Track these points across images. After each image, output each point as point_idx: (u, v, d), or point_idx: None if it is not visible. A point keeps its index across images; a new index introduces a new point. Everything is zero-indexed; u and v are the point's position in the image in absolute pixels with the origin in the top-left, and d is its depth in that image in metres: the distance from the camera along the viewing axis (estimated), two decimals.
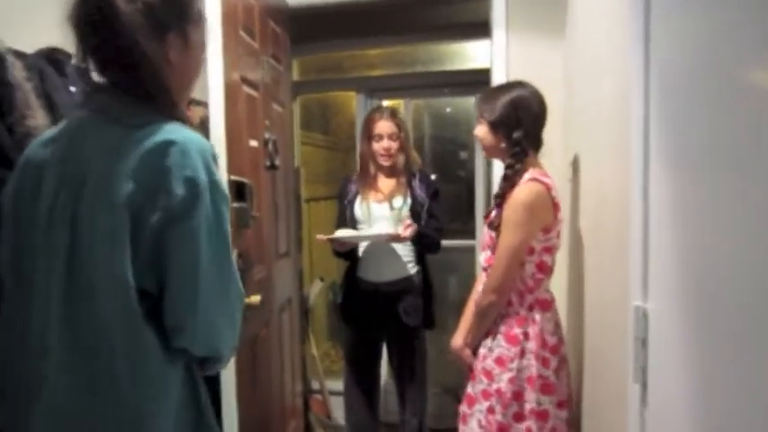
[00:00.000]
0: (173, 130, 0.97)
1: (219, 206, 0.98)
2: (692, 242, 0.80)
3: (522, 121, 1.62)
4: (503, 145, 1.65)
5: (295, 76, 3.26)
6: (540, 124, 1.67)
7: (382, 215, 2.36)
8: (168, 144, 0.94)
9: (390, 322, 2.40)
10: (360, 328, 2.46)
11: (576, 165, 1.82)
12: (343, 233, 2.30)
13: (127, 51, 0.96)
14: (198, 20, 1.09)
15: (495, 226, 1.63)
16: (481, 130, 1.69)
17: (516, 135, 1.62)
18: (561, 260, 1.95)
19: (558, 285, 2.03)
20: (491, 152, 1.73)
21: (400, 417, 2.51)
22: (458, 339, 1.80)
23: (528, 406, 1.57)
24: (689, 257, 0.81)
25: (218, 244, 0.98)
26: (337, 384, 2.93)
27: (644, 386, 0.96)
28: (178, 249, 0.95)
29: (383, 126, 2.36)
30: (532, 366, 1.57)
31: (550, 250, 1.61)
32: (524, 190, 1.57)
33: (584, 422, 1.67)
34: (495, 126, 1.65)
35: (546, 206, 1.57)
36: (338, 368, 3.50)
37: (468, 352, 1.74)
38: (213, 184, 0.97)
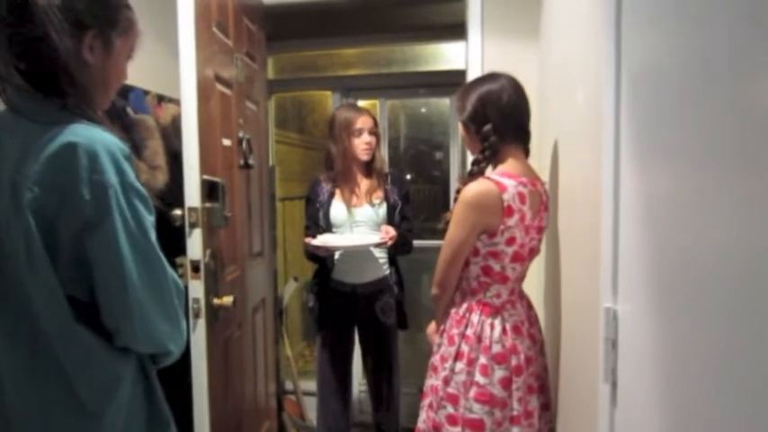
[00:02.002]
0: (80, 131, 0.94)
1: (135, 205, 0.97)
2: (662, 244, 0.81)
3: (489, 117, 1.57)
4: (477, 143, 1.62)
5: (270, 74, 3.24)
6: (512, 117, 1.58)
7: (361, 219, 2.35)
8: (74, 146, 0.91)
9: (366, 322, 2.41)
10: (335, 330, 2.45)
11: (549, 168, 1.84)
12: (330, 240, 2.27)
13: (38, 45, 0.94)
14: (125, 27, 1.07)
15: (446, 221, 1.61)
16: (460, 130, 1.68)
17: (484, 130, 1.57)
18: (538, 263, 1.97)
19: (535, 289, 2.05)
20: (472, 151, 1.68)
21: (374, 416, 2.52)
22: (431, 326, 1.82)
23: (461, 410, 1.53)
24: (658, 260, 0.82)
25: (140, 243, 0.97)
26: (311, 385, 2.92)
27: (614, 386, 0.97)
28: (100, 256, 0.94)
29: (363, 122, 2.35)
30: (464, 371, 1.53)
31: (497, 256, 1.54)
32: (472, 188, 1.52)
33: (558, 425, 1.68)
34: (466, 125, 1.63)
35: (491, 208, 1.49)
36: (312, 369, 3.49)
37: (436, 339, 1.71)
38: (125, 184, 0.95)
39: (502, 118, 1.57)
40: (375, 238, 2.26)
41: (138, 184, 0.98)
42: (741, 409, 0.59)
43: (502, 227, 1.50)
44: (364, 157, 2.35)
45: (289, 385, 3.28)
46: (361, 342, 2.50)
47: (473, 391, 1.52)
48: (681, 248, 0.75)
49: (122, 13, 1.06)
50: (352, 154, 2.35)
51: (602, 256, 1.01)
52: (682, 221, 0.74)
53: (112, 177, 0.93)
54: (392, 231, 2.25)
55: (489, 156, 1.58)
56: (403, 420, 2.56)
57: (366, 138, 2.34)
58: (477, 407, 1.52)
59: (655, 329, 0.83)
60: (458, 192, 1.61)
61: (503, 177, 1.53)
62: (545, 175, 1.89)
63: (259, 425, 2.41)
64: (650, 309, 0.85)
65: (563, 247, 1.63)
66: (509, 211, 1.50)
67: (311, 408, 3.01)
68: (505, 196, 1.49)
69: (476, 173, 1.59)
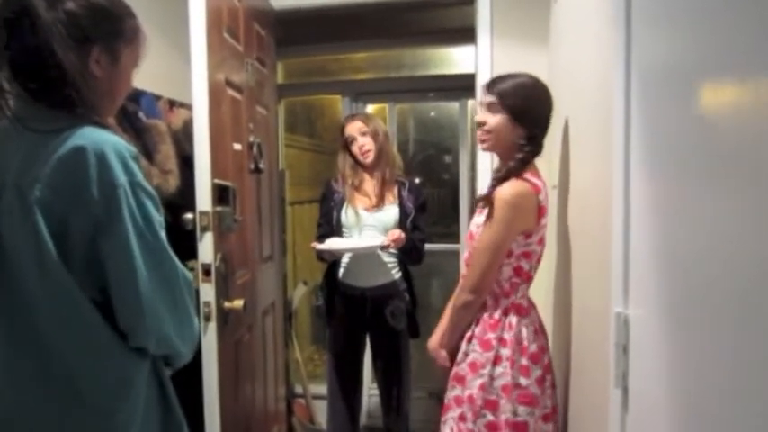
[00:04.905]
0: (88, 134, 0.95)
1: (145, 205, 0.98)
2: (673, 249, 0.81)
3: (543, 118, 1.56)
4: (521, 141, 1.53)
5: (280, 78, 3.25)
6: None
7: (371, 223, 2.36)
8: (83, 149, 0.93)
9: (376, 326, 2.41)
10: (345, 333, 2.45)
11: (559, 172, 1.84)
12: (336, 243, 2.28)
13: (43, 59, 0.94)
14: (132, 37, 1.07)
15: (486, 200, 1.54)
16: (497, 120, 1.54)
17: (537, 131, 1.55)
18: (549, 267, 1.96)
19: (545, 293, 2.04)
20: (501, 144, 1.57)
21: (384, 420, 2.51)
22: (434, 339, 1.77)
23: (503, 416, 1.49)
24: (670, 264, 0.82)
25: (150, 242, 0.98)
26: (320, 388, 2.92)
27: (625, 391, 0.96)
28: (111, 257, 0.95)
29: (351, 127, 2.38)
30: (507, 374, 1.49)
31: (529, 256, 1.55)
32: (509, 189, 1.49)
33: (569, 429, 1.67)
34: (518, 117, 1.52)
35: (530, 208, 1.49)
36: (322, 372, 3.50)
37: (443, 353, 1.68)
38: (134, 184, 0.96)
39: (547, 120, 1.58)
40: (378, 241, 2.26)
41: (146, 184, 0.99)
42: (754, 413, 0.58)
43: (537, 227, 1.52)
44: (363, 160, 2.37)
45: (298, 389, 3.28)
46: (372, 346, 2.50)
47: (517, 394, 1.50)
48: (692, 253, 0.74)
49: (126, 23, 1.06)
50: (356, 161, 2.39)
51: (612, 261, 1.01)
52: (693, 226, 0.74)
53: (121, 177, 0.94)
54: (398, 233, 2.25)
55: (529, 159, 1.55)
56: (413, 425, 2.55)
57: (359, 142, 2.36)
58: (521, 409, 1.50)
59: (666, 334, 0.82)
60: (493, 185, 1.56)
61: (533, 178, 1.53)
62: (555, 178, 1.89)
63: (269, 428, 2.41)
64: (661, 313, 0.84)
65: (574, 252, 1.63)
66: (543, 212, 1.52)
67: (320, 411, 3.01)
68: (540, 197, 1.51)
69: (514, 171, 1.53)
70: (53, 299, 0.95)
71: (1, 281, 0.96)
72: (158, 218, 1.01)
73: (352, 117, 2.47)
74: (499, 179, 1.54)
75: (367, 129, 2.36)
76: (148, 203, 0.99)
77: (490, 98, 1.56)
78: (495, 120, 1.55)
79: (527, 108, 1.54)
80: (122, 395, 1.00)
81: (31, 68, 0.96)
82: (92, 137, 0.95)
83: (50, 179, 0.92)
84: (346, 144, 2.40)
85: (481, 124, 1.57)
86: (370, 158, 2.36)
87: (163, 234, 1.01)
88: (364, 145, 2.35)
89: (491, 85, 1.58)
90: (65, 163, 0.92)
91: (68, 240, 0.94)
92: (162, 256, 1.00)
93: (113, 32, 1.03)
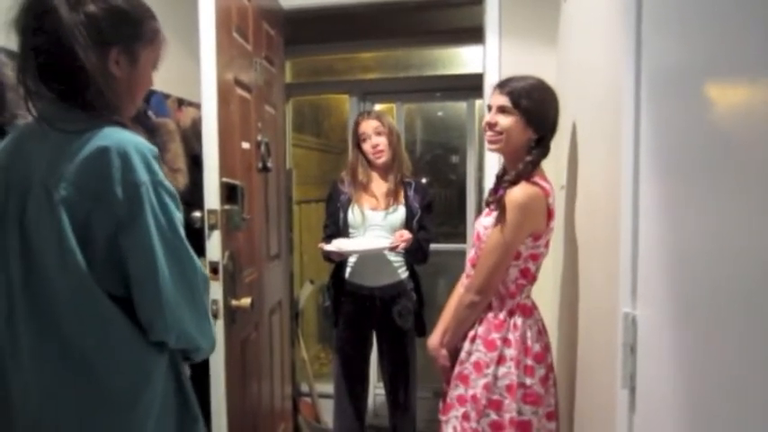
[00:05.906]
0: (111, 135, 0.97)
1: (166, 203, 1.00)
2: (682, 249, 0.81)
3: (552, 121, 1.57)
4: (530, 143, 1.55)
5: (288, 78, 3.26)
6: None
7: (377, 223, 2.36)
8: (106, 149, 0.95)
9: (384, 326, 2.41)
10: (352, 332, 2.46)
11: (567, 172, 1.83)
12: (343, 244, 2.28)
13: (65, 60, 0.97)
14: (151, 39, 1.09)
15: (497, 200, 1.57)
16: (509, 121, 1.55)
17: (546, 133, 1.56)
18: (556, 267, 1.96)
19: (551, 293, 2.04)
20: (511, 146, 1.56)
21: (390, 420, 2.52)
22: (434, 338, 1.76)
23: (507, 416, 1.51)
24: (678, 264, 0.82)
25: (171, 239, 1.00)
26: (326, 387, 2.93)
27: (632, 391, 0.96)
28: (133, 253, 0.97)
29: (366, 125, 2.37)
30: (512, 374, 1.51)
31: (536, 258, 1.57)
32: (521, 192, 1.50)
33: (574, 429, 1.67)
34: (531, 119, 1.53)
35: (540, 211, 1.51)
36: (328, 371, 3.51)
37: (443, 352, 1.68)
38: (156, 183, 0.98)
39: (554, 125, 1.60)
40: (386, 242, 2.26)
41: (167, 183, 1.01)
42: (762, 414, 0.58)
43: (546, 229, 1.53)
44: (374, 160, 2.36)
45: (304, 387, 3.29)
46: (379, 346, 2.50)
47: (521, 394, 1.52)
48: (701, 254, 0.74)
49: (147, 25, 1.08)
50: (366, 160, 2.39)
51: (621, 261, 1.01)
52: (701, 227, 0.74)
53: (144, 176, 0.96)
54: (406, 235, 2.25)
55: (536, 162, 1.56)
56: (419, 425, 2.56)
57: (373, 141, 2.35)
58: (526, 408, 1.52)
59: (674, 334, 0.82)
60: (504, 188, 1.56)
61: (542, 181, 1.54)
62: (562, 178, 1.89)
63: (275, 426, 2.42)
64: (670, 314, 0.84)
65: (581, 252, 1.62)
66: (551, 215, 1.53)
67: (326, 410, 3.02)
68: (550, 200, 1.52)
69: (524, 173, 1.54)
70: (74, 296, 0.97)
71: (29, 282, 0.98)
72: (179, 216, 1.03)
73: (367, 114, 2.45)
74: (510, 182, 1.55)
75: (383, 129, 2.36)
76: (170, 202, 1.01)
77: (502, 100, 1.56)
78: (507, 121, 1.55)
79: (539, 110, 1.55)
80: (141, 388, 1.02)
81: (55, 70, 0.99)
82: (114, 137, 0.97)
83: (75, 178, 0.95)
84: (358, 141, 2.39)
85: (492, 125, 1.57)
86: (382, 159, 2.36)
87: (182, 231, 1.03)
88: (378, 145, 2.35)
89: (503, 87, 1.58)
90: (90, 163, 0.95)
91: (91, 238, 0.96)
92: (182, 254, 1.02)
93: (132, 35, 1.05)
